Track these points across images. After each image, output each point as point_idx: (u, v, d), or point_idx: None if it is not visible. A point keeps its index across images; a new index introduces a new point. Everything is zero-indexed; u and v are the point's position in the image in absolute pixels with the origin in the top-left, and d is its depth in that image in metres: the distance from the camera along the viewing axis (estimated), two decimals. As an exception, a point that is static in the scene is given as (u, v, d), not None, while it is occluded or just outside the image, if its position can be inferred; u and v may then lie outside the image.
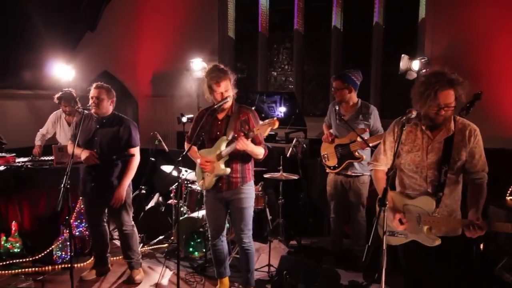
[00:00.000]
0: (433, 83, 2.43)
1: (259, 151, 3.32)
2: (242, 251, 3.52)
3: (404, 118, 2.47)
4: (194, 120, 3.59)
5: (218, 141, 3.34)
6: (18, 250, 4.37)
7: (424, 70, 5.28)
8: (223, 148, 3.29)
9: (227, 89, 3.28)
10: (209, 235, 3.68)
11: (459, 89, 2.43)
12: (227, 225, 3.84)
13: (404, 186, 2.72)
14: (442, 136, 2.57)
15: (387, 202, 2.23)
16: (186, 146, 3.61)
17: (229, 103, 3.34)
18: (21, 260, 4.29)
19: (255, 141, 3.30)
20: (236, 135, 3.23)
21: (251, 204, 3.47)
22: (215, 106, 3.28)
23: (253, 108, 3.58)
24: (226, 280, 3.77)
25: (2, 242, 4.36)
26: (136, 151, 3.88)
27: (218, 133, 3.38)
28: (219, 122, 3.41)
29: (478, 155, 2.56)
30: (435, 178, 2.56)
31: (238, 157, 3.35)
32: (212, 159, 3.36)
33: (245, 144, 3.09)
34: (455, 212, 2.63)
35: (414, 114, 2.48)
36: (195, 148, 3.46)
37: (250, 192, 3.45)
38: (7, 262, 4.25)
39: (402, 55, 5.24)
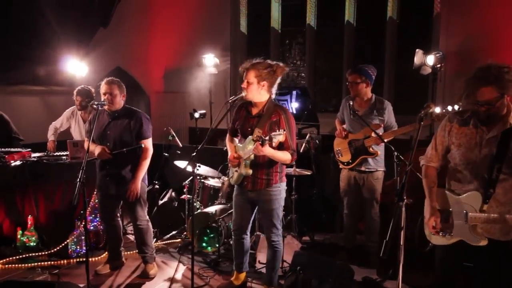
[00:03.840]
0: (469, 79, 2.34)
1: (283, 157, 3.18)
2: (271, 249, 3.50)
3: (422, 112, 2.42)
4: (234, 111, 3.52)
5: (247, 139, 3.28)
6: (34, 244, 4.42)
7: (438, 65, 5.22)
8: (250, 146, 3.19)
9: (251, 82, 3.21)
10: (232, 228, 3.66)
11: (500, 86, 2.28)
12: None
13: (454, 183, 2.61)
14: (497, 130, 2.42)
15: (405, 198, 2.19)
16: (227, 137, 3.58)
17: (258, 100, 3.27)
18: (37, 254, 4.34)
19: (283, 146, 3.18)
20: (256, 138, 3.08)
21: (277, 206, 3.37)
22: (229, 100, 3.25)
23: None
24: (242, 275, 3.74)
25: (19, 236, 4.41)
26: (148, 143, 3.89)
27: (249, 129, 3.29)
28: (251, 118, 3.33)
29: None
30: (486, 174, 2.43)
31: (264, 158, 3.23)
32: (241, 155, 3.32)
33: (261, 151, 2.98)
34: (510, 212, 2.45)
35: (433, 108, 2.43)
36: (235, 141, 3.43)
37: (276, 194, 3.34)
38: (23, 256, 4.30)
39: (417, 50, 5.18)
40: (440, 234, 2.55)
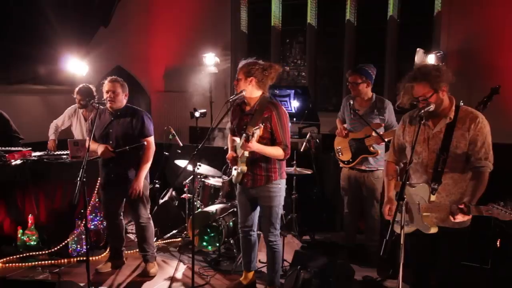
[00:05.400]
0: (405, 80, 2.56)
1: (275, 152, 3.21)
2: (269, 249, 3.49)
3: (422, 111, 2.44)
4: (231, 111, 3.54)
5: (242, 137, 3.28)
6: (35, 243, 4.42)
7: (440, 64, 5.21)
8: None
9: (239, 78, 3.25)
10: (239, 226, 3.65)
11: (430, 81, 2.47)
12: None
13: (410, 176, 2.76)
14: (441, 124, 2.58)
15: (405, 197, 2.21)
16: (228, 137, 3.60)
17: (248, 96, 3.28)
18: (37, 253, 4.35)
19: (275, 141, 3.22)
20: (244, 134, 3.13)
21: (276, 203, 3.37)
22: (230, 99, 3.25)
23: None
24: (251, 274, 3.71)
25: (19, 235, 4.42)
26: (150, 140, 3.91)
27: (244, 127, 3.31)
28: (245, 116, 3.35)
29: (480, 143, 2.50)
30: (433, 167, 2.58)
31: (260, 155, 3.24)
32: (238, 154, 3.33)
33: (247, 147, 3.03)
34: (460, 201, 2.53)
35: (432, 107, 2.45)
36: (235, 140, 3.42)
37: (276, 190, 3.34)
38: (24, 255, 4.32)
39: (417, 49, 5.17)
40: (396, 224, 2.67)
